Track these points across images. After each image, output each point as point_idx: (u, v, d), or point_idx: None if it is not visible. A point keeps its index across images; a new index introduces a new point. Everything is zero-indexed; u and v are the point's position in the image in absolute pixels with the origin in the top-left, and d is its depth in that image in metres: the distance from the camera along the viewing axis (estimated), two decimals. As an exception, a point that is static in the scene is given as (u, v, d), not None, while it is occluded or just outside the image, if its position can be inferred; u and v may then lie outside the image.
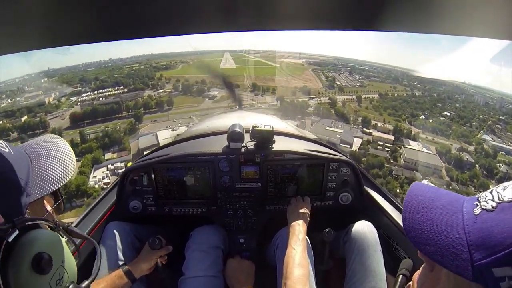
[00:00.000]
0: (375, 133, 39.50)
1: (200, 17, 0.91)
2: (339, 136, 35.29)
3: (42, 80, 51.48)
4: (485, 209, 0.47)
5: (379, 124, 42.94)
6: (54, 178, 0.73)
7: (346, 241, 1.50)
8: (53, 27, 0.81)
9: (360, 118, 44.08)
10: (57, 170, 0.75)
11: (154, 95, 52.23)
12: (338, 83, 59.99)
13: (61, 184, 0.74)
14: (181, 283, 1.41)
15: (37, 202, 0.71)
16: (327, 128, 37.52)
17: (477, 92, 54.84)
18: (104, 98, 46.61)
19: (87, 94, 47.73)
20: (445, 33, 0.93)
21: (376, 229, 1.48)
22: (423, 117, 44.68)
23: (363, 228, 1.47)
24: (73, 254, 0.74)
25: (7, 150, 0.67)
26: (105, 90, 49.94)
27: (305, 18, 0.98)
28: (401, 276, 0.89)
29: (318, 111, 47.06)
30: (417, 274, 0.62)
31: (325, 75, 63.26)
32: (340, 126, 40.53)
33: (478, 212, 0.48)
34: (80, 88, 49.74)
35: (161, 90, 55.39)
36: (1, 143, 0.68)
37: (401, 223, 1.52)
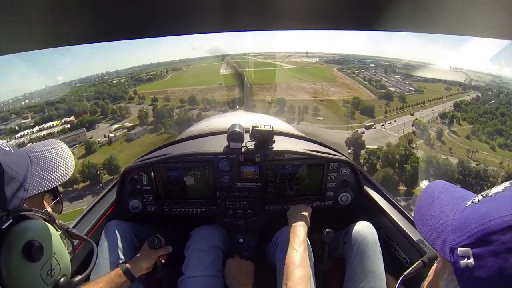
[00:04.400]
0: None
1: (200, 17, 0.91)
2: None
3: (23, 103, 47.03)
4: (473, 202, 0.55)
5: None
6: (52, 176, 0.76)
7: (345, 242, 1.50)
8: (50, 27, 0.81)
9: (493, 177, 27.97)
10: (55, 169, 0.78)
11: (102, 138, 35.05)
12: (392, 89, 46.36)
13: (59, 182, 0.77)
14: (180, 282, 1.40)
15: (36, 199, 0.74)
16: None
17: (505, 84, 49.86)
18: (31, 141, 37.00)
19: (21, 133, 39.41)
20: (445, 33, 0.93)
21: (376, 229, 1.48)
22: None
23: (363, 228, 1.47)
24: (70, 254, 0.76)
25: (7, 148, 0.72)
26: (47, 125, 40.95)
27: (307, 18, 0.98)
28: (420, 261, 0.90)
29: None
30: (433, 268, 0.65)
31: (364, 77, 49.37)
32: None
33: (468, 204, 0.55)
34: (25, 120, 41.94)
35: (117, 125, 37.64)
36: (3, 143, 0.73)
37: (400, 223, 1.53)
